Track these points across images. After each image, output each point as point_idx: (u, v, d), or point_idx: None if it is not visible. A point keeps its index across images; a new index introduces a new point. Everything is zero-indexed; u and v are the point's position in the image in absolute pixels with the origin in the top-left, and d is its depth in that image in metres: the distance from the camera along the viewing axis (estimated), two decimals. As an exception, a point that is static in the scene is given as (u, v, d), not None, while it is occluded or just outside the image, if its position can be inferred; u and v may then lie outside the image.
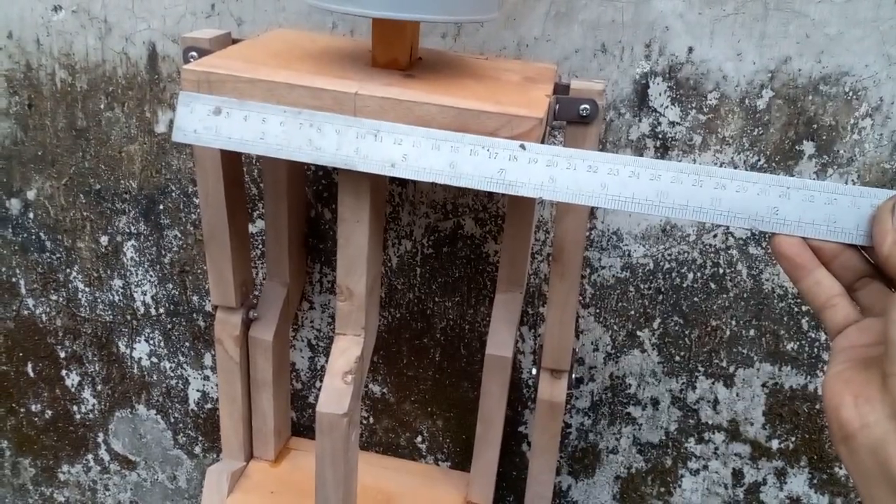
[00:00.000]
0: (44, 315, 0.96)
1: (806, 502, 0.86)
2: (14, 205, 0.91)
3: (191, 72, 0.56)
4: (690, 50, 0.69)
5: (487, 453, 0.82)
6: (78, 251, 0.92)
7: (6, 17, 0.81)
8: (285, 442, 0.93)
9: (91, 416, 1.01)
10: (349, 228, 0.59)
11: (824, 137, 0.70)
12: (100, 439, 1.02)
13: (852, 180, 0.71)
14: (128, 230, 0.89)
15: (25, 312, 0.96)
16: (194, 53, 0.64)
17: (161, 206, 0.87)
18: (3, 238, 0.93)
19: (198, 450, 1.00)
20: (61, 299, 0.95)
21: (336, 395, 0.62)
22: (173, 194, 0.86)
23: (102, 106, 0.83)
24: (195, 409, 0.97)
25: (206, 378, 0.95)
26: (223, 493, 0.82)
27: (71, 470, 1.05)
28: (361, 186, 0.57)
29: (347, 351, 0.64)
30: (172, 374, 0.96)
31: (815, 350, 0.79)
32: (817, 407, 0.81)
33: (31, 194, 0.90)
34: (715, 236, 0.76)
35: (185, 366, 0.95)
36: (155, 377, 0.96)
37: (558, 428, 0.76)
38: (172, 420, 0.98)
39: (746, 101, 0.70)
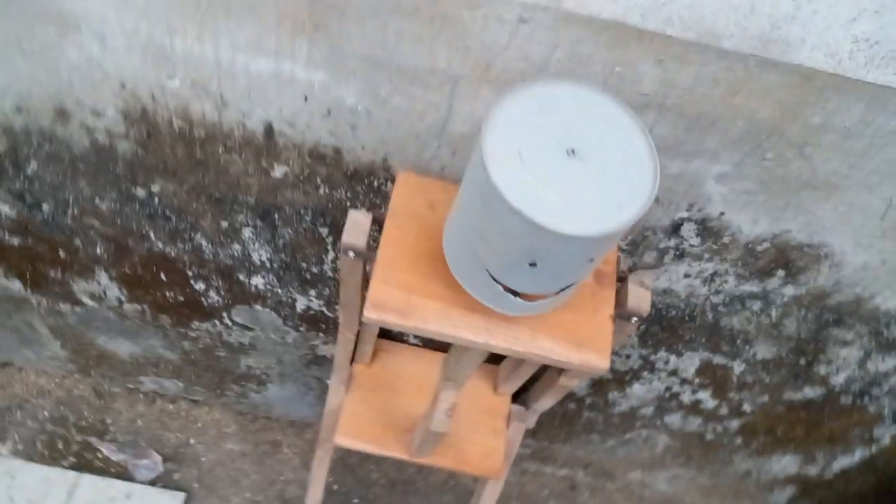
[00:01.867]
0: (172, 252, 1.18)
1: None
2: (139, 192, 1.06)
3: (370, 317, 0.76)
4: (722, 213, 0.86)
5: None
6: (200, 227, 1.10)
7: (118, 70, 0.86)
8: (375, 345, 1.26)
9: (216, 305, 1.30)
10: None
11: (793, 270, 0.93)
12: (224, 315, 1.33)
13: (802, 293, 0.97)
14: (246, 222, 1.07)
15: (157, 249, 1.18)
16: (352, 252, 0.80)
17: (276, 215, 1.04)
18: (131, 208, 1.10)
19: (302, 329, 1.32)
20: (187, 247, 1.16)
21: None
22: (287, 210, 1.03)
23: (221, 150, 0.95)
24: (301, 312, 1.27)
25: (311, 300, 1.23)
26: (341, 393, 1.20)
27: (200, 325, 1.38)
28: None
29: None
30: (283, 295, 1.23)
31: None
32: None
33: (155, 188, 1.05)
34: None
35: (293, 292, 1.22)
36: (269, 294, 1.24)
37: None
38: (283, 315, 1.29)
39: (749, 245, 0.90)
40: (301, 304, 1.24)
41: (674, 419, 1.36)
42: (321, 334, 1.32)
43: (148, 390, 1.68)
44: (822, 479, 1.51)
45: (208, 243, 1.14)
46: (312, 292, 1.21)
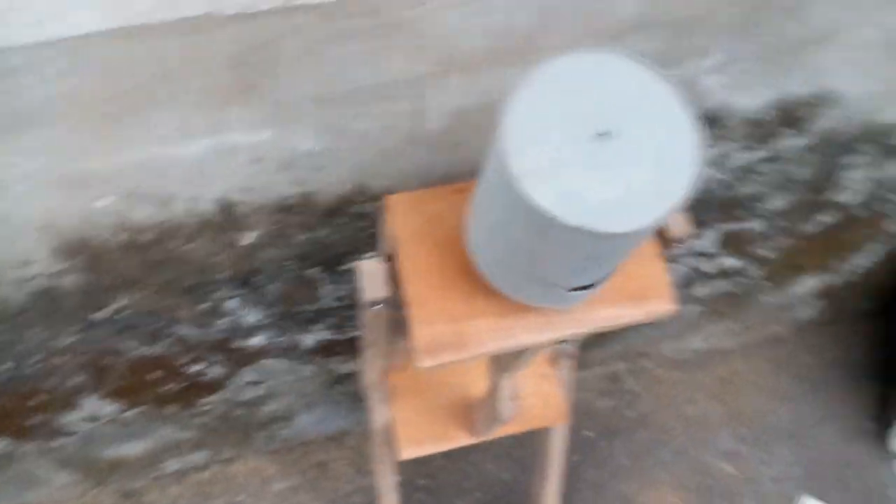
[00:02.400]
0: (156, 352, 1.07)
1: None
2: (101, 315, 0.94)
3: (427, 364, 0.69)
4: (723, 101, 0.80)
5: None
6: (179, 320, 0.99)
7: (34, 215, 0.73)
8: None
9: (219, 377, 1.20)
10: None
11: (800, 124, 0.89)
12: (230, 383, 1.24)
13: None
14: (227, 296, 0.96)
15: (138, 355, 1.06)
16: (379, 306, 0.71)
17: (257, 277, 0.94)
18: (98, 332, 0.97)
19: (316, 361, 1.24)
20: (171, 341, 1.05)
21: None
22: (268, 269, 0.92)
23: (177, 244, 0.83)
24: (310, 348, 1.18)
25: (317, 334, 1.14)
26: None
27: (209, 399, 1.29)
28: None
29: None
30: (286, 342, 1.14)
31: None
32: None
33: (117, 305, 0.92)
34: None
35: (297, 335, 1.13)
36: (272, 347, 1.14)
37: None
38: (292, 358, 1.20)
39: (753, 119, 0.85)
40: (308, 341, 1.16)
41: (702, 289, 1.36)
42: (337, 357, 1.24)
43: (175, 470, 1.59)
44: (846, 284, 1.56)
45: (192, 330, 1.03)
46: (317, 327, 1.12)
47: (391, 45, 0.64)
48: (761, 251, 1.28)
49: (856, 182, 1.12)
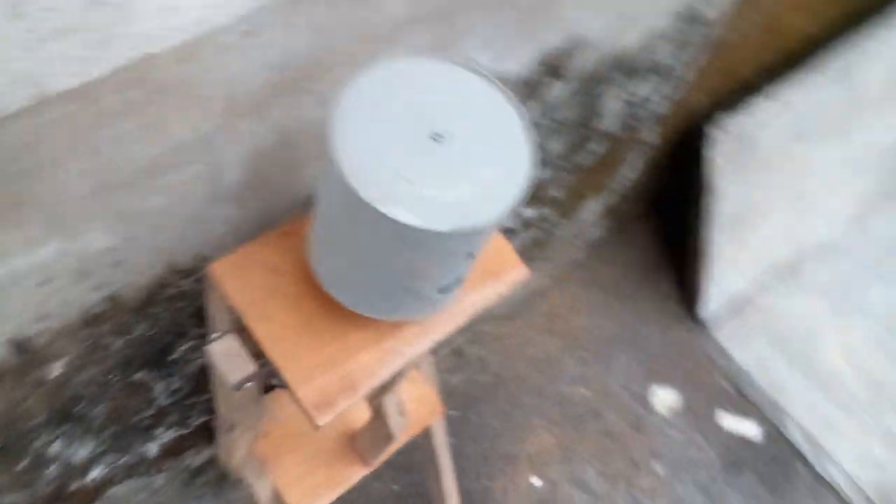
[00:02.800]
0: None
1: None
2: None
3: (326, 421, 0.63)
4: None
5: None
6: (-3, 487, 0.82)
7: None
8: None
9: None
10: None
11: (560, 71, 0.93)
12: None
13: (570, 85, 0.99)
14: (48, 441, 0.82)
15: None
16: (249, 384, 0.64)
17: (78, 406, 0.80)
18: None
19: (167, 466, 1.11)
20: (-7, 516, 0.87)
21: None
22: (89, 391, 0.80)
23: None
24: (156, 456, 1.05)
25: (161, 438, 1.01)
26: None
27: None
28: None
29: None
30: (130, 459, 1.00)
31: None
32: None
33: None
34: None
35: (139, 447, 0.99)
36: (115, 472, 1.00)
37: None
38: (140, 473, 1.06)
39: (521, 81, 0.88)
40: (152, 450, 1.02)
41: (514, 244, 1.41)
42: (189, 451, 1.12)
43: None
44: (622, 198, 1.71)
45: (16, 496, 0.86)
46: (159, 430, 0.99)
47: (168, 109, 0.57)
48: (552, 194, 1.36)
49: (612, 108, 1.22)
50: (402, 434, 0.97)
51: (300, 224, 0.73)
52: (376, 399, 0.92)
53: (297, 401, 0.66)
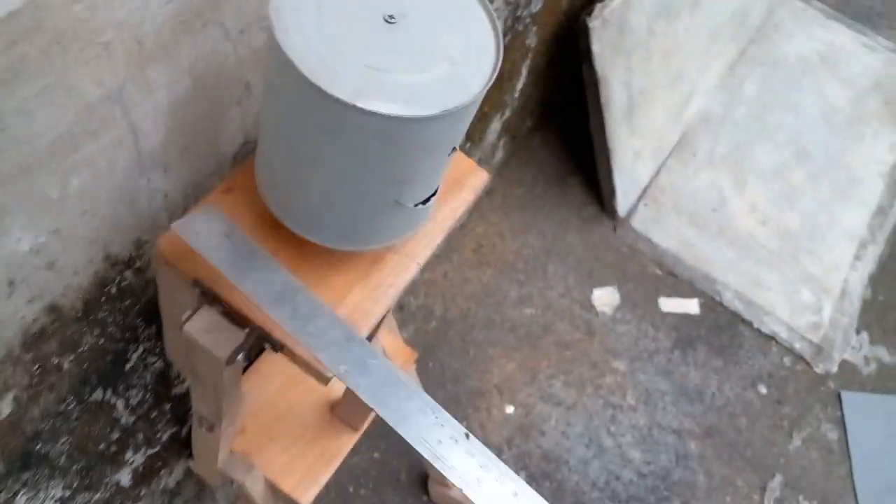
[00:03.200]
0: None
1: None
2: None
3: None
4: None
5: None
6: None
7: None
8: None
9: None
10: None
11: None
12: None
13: None
14: (12, 491, 0.71)
15: None
16: (241, 355, 0.57)
17: (36, 446, 0.70)
18: None
19: (146, 492, 1.01)
20: None
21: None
22: (47, 427, 0.70)
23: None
24: (129, 484, 0.96)
25: (132, 462, 0.92)
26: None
27: None
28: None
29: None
30: (103, 492, 0.90)
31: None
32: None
33: None
34: None
35: (112, 477, 0.90)
36: (89, 512, 0.90)
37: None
38: (115, 507, 0.96)
39: None
40: (124, 477, 0.93)
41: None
42: (163, 470, 1.02)
43: None
44: (515, 112, 1.70)
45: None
46: (128, 454, 0.90)
47: (69, 63, 0.48)
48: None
49: (496, 8, 1.19)
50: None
51: (240, 177, 0.66)
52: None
53: (297, 359, 0.60)
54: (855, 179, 2.13)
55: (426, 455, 0.55)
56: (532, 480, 1.55)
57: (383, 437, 1.53)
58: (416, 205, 0.60)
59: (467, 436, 0.56)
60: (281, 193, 0.58)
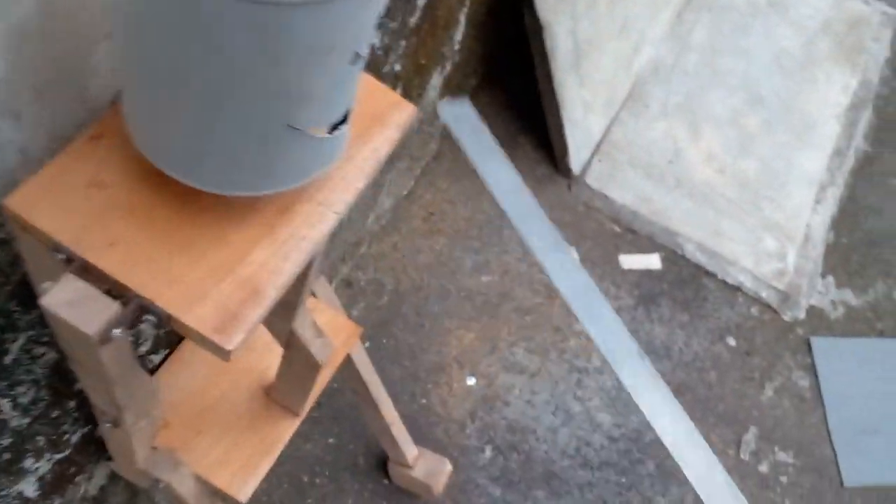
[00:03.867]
0: None
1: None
2: None
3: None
4: None
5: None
6: None
7: None
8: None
9: None
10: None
11: None
12: None
13: None
14: None
15: None
16: (117, 331, 0.47)
17: None
18: None
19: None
20: None
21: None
22: None
23: None
24: (36, 496, 0.84)
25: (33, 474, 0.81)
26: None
27: None
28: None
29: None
30: None
31: None
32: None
33: None
34: None
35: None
36: None
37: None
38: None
39: None
40: (28, 487, 0.81)
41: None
42: (79, 477, 0.91)
43: None
44: (457, 66, 1.60)
45: None
46: (28, 462, 0.78)
47: None
48: (395, 69, 1.22)
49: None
50: (328, 360, 0.83)
51: (112, 122, 0.55)
52: (285, 330, 0.76)
53: (188, 331, 0.49)
54: (811, 123, 2.08)
55: None
56: (499, 453, 1.47)
57: (336, 422, 1.43)
58: (319, 135, 0.50)
59: None
60: (150, 128, 0.47)
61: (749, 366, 1.69)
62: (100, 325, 0.46)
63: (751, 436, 1.60)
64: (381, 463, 1.39)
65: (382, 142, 0.61)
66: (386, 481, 1.38)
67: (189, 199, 0.53)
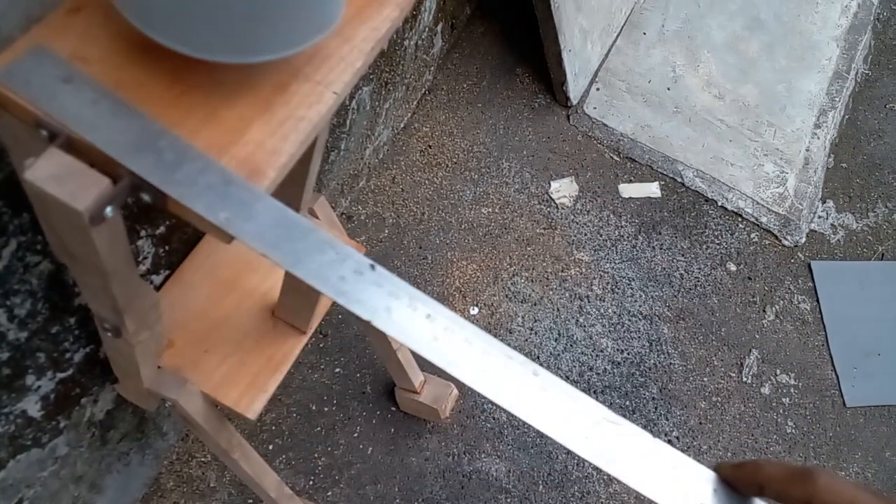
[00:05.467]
0: None
1: None
2: None
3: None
4: None
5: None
6: None
7: None
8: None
9: None
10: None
11: None
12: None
13: None
14: None
15: None
16: (109, 209, 0.45)
17: None
18: None
19: (65, 424, 0.89)
20: None
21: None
22: None
23: None
24: (39, 414, 0.83)
25: (43, 385, 0.80)
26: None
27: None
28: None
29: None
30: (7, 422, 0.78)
31: None
32: None
33: None
34: None
35: (15, 405, 0.77)
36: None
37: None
38: (31, 440, 0.84)
39: None
40: (31, 406, 0.80)
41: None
42: (84, 399, 0.90)
43: None
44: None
45: None
46: (28, 379, 0.77)
47: None
48: None
49: None
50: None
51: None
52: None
53: (188, 212, 0.47)
54: (810, 46, 2.04)
55: (330, 293, 0.45)
56: (503, 381, 1.47)
57: (343, 352, 1.43)
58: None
59: (373, 266, 0.47)
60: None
61: (750, 290, 1.68)
62: (91, 199, 0.44)
63: (753, 359, 1.60)
64: (388, 391, 1.39)
65: (382, 21, 0.59)
66: (393, 408, 1.38)
67: (178, 76, 0.51)
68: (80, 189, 0.44)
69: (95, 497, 1.06)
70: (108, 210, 0.46)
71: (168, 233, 0.88)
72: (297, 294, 0.88)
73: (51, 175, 0.44)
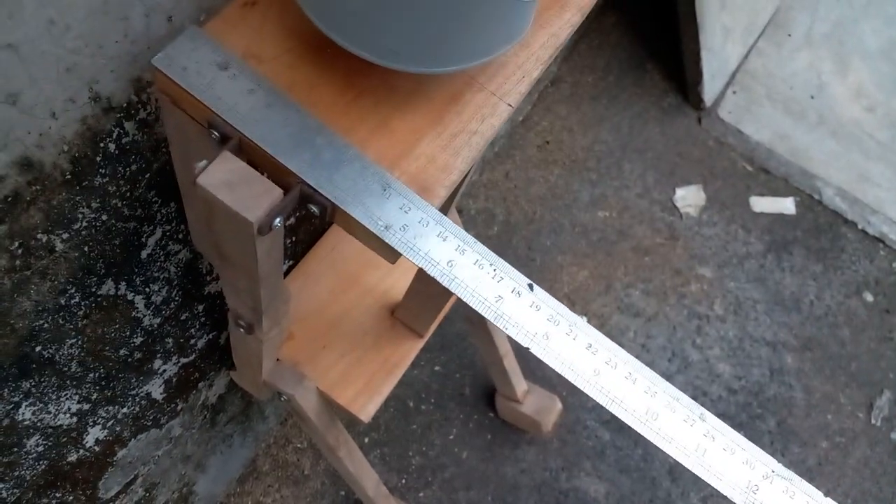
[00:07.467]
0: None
1: None
2: None
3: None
4: None
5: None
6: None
7: None
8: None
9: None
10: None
11: None
12: (97, 489, 0.85)
13: None
14: (12, 404, 0.59)
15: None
16: (278, 221, 0.41)
17: (37, 348, 0.57)
18: None
19: (181, 407, 0.89)
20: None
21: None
22: (49, 328, 0.56)
23: None
24: (162, 397, 0.83)
25: (163, 372, 0.79)
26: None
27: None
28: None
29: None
30: (132, 406, 0.78)
31: None
32: None
33: None
34: None
35: (139, 388, 0.77)
36: (119, 426, 0.78)
37: None
38: (150, 421, 0.84)
39: None
40: (155, 388, 0.80)
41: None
42: (201, 384, 0.90)
43: None
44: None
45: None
46: (157, 363, 0.77)
47: None
48: None
49: None
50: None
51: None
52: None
53: (357, 227, 0.44)
54: (978, 60, 1.85)
55: (486, 314, 0.43)
56: (609, 396, 1.41)
57: (444, 350, 1.39)
58: None
59: (531, 286, 0.44)
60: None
61: (888, 325, 1.54)
62: (263, 210, 0.41)
63: (885, 400, 1.47)
64: (488, 396, 1.35)
65: (562, 26, 0.53)
66: (492, 414, 1.34)
67: (351, 80, 0.47)
68: (252, 198, 0.41)
69: (199, 475, 1.07)
70: (278, 221, 0.43)
71: (297, 224, 0.85)
72: (424, 299, 0.84)
73: (223, 181, 0.41)
